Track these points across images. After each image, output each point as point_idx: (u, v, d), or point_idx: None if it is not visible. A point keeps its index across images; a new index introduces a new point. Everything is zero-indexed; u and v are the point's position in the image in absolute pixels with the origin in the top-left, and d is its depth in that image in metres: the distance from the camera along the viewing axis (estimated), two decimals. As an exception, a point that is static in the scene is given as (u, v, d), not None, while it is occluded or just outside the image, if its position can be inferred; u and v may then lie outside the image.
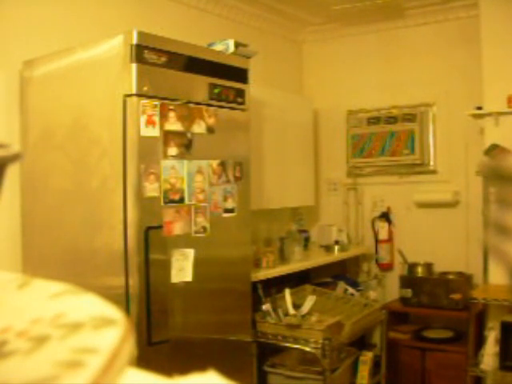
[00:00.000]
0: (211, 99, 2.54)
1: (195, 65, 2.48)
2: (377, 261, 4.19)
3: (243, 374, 2.73)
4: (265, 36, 4.12)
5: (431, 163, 4.08)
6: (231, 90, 2.65)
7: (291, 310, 3.10)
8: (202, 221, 2.47)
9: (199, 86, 2.50)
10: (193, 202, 2.43)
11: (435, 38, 4.04)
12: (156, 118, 2.27)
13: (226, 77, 2.63)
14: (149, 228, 2.24)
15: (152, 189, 2.26)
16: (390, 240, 4.16)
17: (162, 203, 2.30)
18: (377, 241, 4.18)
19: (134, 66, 2.22)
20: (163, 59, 2.32)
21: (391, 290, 4.06)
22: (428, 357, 3.55)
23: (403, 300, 3.79)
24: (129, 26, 2.45)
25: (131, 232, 2.21)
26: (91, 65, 2.38)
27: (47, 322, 0.33)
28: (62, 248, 2.47)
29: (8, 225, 2.62)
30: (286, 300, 3.16)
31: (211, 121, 2.52)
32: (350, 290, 3.80)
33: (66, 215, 2.45)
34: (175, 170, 2.35)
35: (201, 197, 2.46)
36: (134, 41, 2.22)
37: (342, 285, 3.78)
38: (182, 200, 2.38)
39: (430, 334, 3.71)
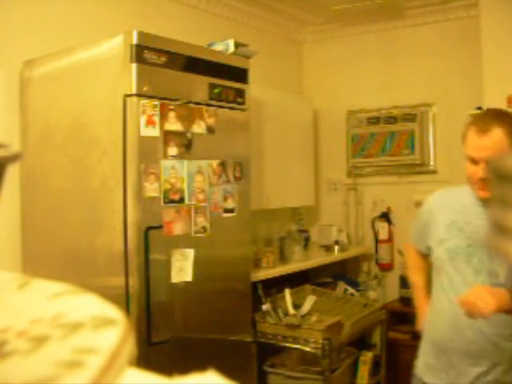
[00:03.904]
0: (211, 99, 2.54)
1: (195, 65, 2.48)
2: (377, 261, 4.19)
3: (243, 374, 2.73)
4: (265, 36, 4.12)
5: (431, 163, 4.08)
6: (231, 90, 2.65)
7: (291, 310, 3.10)
8: (201, 221, 2.47)
9: (199, 85, 2.50)
10: (193, 202, 2.43)
11: (435, 38, 4.04)
12: (156, 118, 2.27)
13: (226, 77, 2.63)
14: (149, 228, 2.24)
15: (152, 189, 2.26)
16: (389, 240, 4.16)
17: (162, 203, 2.30)
18: (377, 241, 4.18)
19: (134, 65, 2.22)
20: (163, 59, 2.32)
21: (391, 290, 4.05)
22: (428, 357, 3.55)
23: (403, 300, 3.79)
24: (129, 26, 2.45)
25: (131, 232, 2.21)
26: (91, 65, 2.38)
27: (47, 322, 0.33)
28: (62, 248, 2.47)
29: (8, 225, 2.62)
30: (286, 300, 3.16)
31: (211, 121, 2.52)
32: (350, 290, 3.80)
33: (66, 215, 2.45)
34: (175, 170, 2.35)
35: (201, 197, 2.46)
36: (134, 41, 2.22)
37: (341, 285, 3.78)
38: (181, 200, 2.38)
39: (430, 333, 3.70)
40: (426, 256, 2.04)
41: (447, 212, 1.86)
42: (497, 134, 1.66)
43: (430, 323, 1.95)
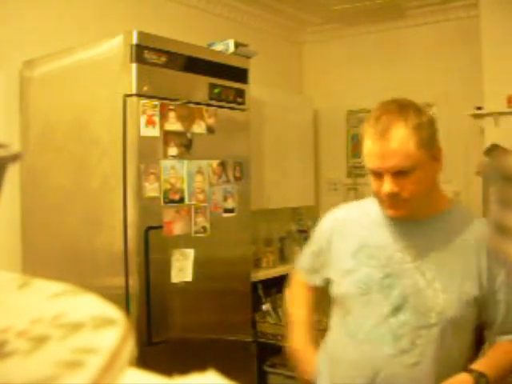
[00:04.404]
0: (211, 99, 2.54)
1: (195, 65, 2.48)
2: (377, 261, 4.18)
3: (243, 373, 2.73)
4: (265, 36, 4.12)
5: (431, 163, 4.08)
6: (231, 90, 2.65)
7: (291, 310, 3.10)
8: (201, 221, 2.47)
9: (199, 85, 2.50)
10: (193, 202, 2.43)
11: (435, 38, 4.04)
12: (156, 118, 2.27)
13: (226, 77, 2.63)
14: (149, 228, 2.24)
15: (152, 189, 2.26)
16: (389, 240, 4.15)
17: (162, 203, 2.30)
18: (377, 241, 4.17)
19: (134, 65, 2.22)
20: (163, 59, 2.32)
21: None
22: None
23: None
24: (129, 26, 2.45)
25: (131, 232, 2.21)
26: (91, 65, 2.38)
27: (47, 322, 0.33)
28: (62, 248, 2.47)
29: (8, 225, 2.62)
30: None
31: (211, 121, 2.52)
32: (350, 290, 3.79)
33: (66, 215, 2.45)
34: (175, 170, 2.35)
35: (201, 197, 2.46)
36: (134, 41, 2.22)
37: (341, 285, 3.77)
38: (182, 200, 2.38)
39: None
40: (317, 290, 1.66)
41: (353, 235, 1.47)
42: (399, 134, 1.27)
43: (332, 381, 1.46)
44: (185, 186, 2.39)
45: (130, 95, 2.21)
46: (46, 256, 2.54)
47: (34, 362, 0.29)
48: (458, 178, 3.95)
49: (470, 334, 1.38)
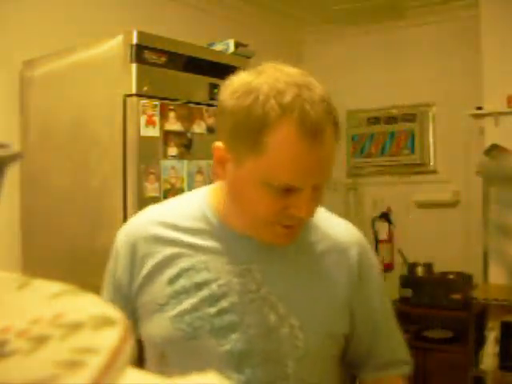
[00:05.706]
0: (211, 99, 2.54)
1: (195, 65, 2.48)
2: (377, 261, 4.18)
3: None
4: (265, 36, 4.12)
5: (431, 163, 4.09)
6: (231, 90, 2.65)
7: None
8: (202, 221, 2.46)
9: (199, 85, 2.50)
10: (193, 202, 2.43)
11: (435, 37, 4.04)
12: (156, 118, 2.27)
13: (226, 77, 2.62)
14: (149, 228, 2.23)
15: (152, 189, 2.26)
16: (390, 240, 4.16)
17: (162, 203, 2.30)
18: (377, 241, 4.18)
19: (134, 66, 2.22)
20: (163, 59, 2.33)
21: (391, 290, 4.05)
22: (428, 357, 3.55)
23: (403, 300, 3.79)
24: (129, 26, 2.45)
25: (131, 232, 2.21)
26: (91, 65, 2.38)
27: (47, 322, 0.33)
28: (62, 248, 2.47)
29: (8, 225, 2.62)
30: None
31: (211, 121, 2.52)
32: (350, 290, 3.79)
33: (66, 215, 2.45)
34: (175, 170, 2.35)
35: (201, 197, 2.46)
36: (134, 41, 2.22)
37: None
38: (182, 200, 2.38)
39: (431, 333, 3.71)
40: None
41: (173, 251, 1.01)
42: (330, 134, 0.89)
43: None
44: (185, 186, 2.39)
45: (130, 95, 2.21)
46: (46, 256, 2.54)
47: (34, 361, 0.29)
48: (457, 178, 3.95)
49: (338, 374, 1.06)
